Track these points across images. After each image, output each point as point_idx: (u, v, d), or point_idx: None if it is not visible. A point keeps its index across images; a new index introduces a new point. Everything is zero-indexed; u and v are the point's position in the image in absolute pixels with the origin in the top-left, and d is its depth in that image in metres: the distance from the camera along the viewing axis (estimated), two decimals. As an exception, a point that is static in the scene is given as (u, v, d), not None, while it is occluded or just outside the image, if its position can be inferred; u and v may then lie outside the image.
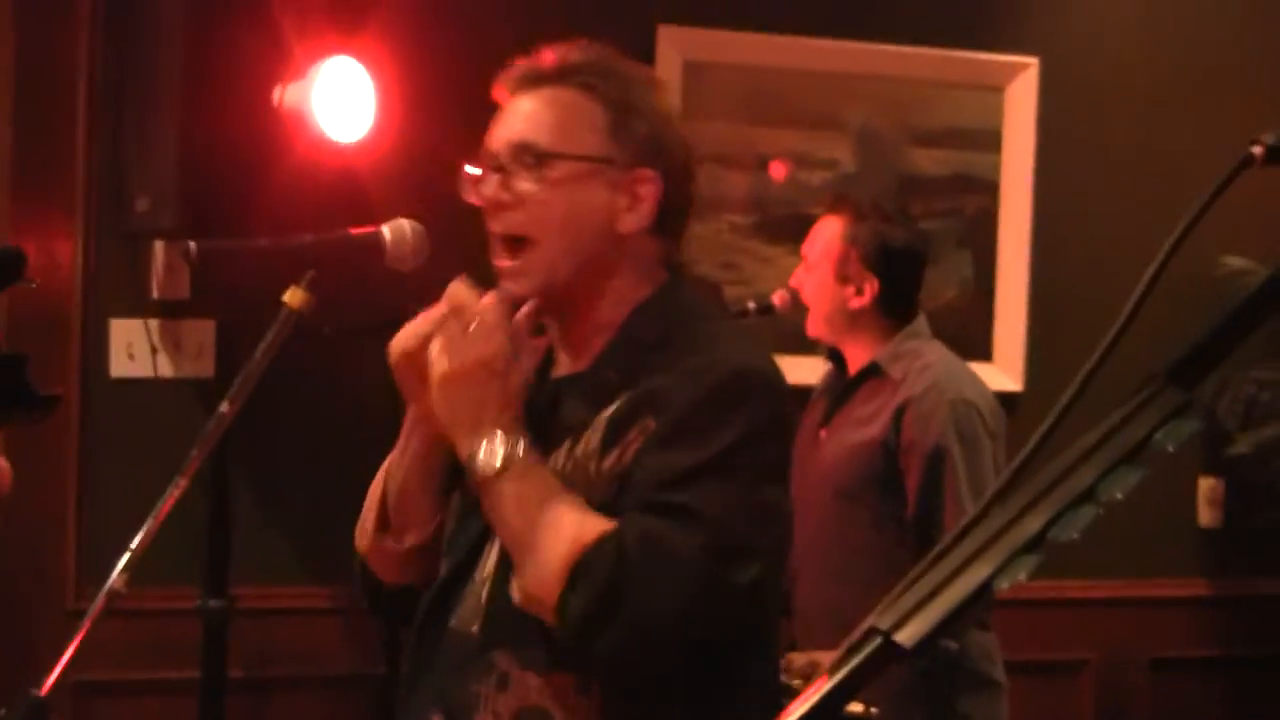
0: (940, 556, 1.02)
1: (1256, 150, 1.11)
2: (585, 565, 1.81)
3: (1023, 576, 0.98)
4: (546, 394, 2.06)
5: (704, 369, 1.93)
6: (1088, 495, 1.01)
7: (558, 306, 2.05)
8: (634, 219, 2.01)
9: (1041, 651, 4.53)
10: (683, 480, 1.87)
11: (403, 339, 1.98)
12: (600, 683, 1.89)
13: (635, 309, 2.02)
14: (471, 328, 1.92)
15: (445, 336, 1.93)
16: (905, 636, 0.96)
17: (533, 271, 1.99)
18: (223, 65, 3.43)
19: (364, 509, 2.14)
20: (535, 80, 2.03)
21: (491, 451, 1.89)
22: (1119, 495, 1.01)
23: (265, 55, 3.46)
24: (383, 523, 2.11)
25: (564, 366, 2.09)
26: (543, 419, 2.01)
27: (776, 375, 2.00)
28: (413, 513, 2.08)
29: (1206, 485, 4.77)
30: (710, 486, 1.87)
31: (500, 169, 1.99)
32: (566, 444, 1.98)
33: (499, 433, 1.90)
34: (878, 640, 0.98)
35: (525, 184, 1.98)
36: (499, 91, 2.07)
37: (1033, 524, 0.99)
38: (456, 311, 1.94)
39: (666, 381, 1.92)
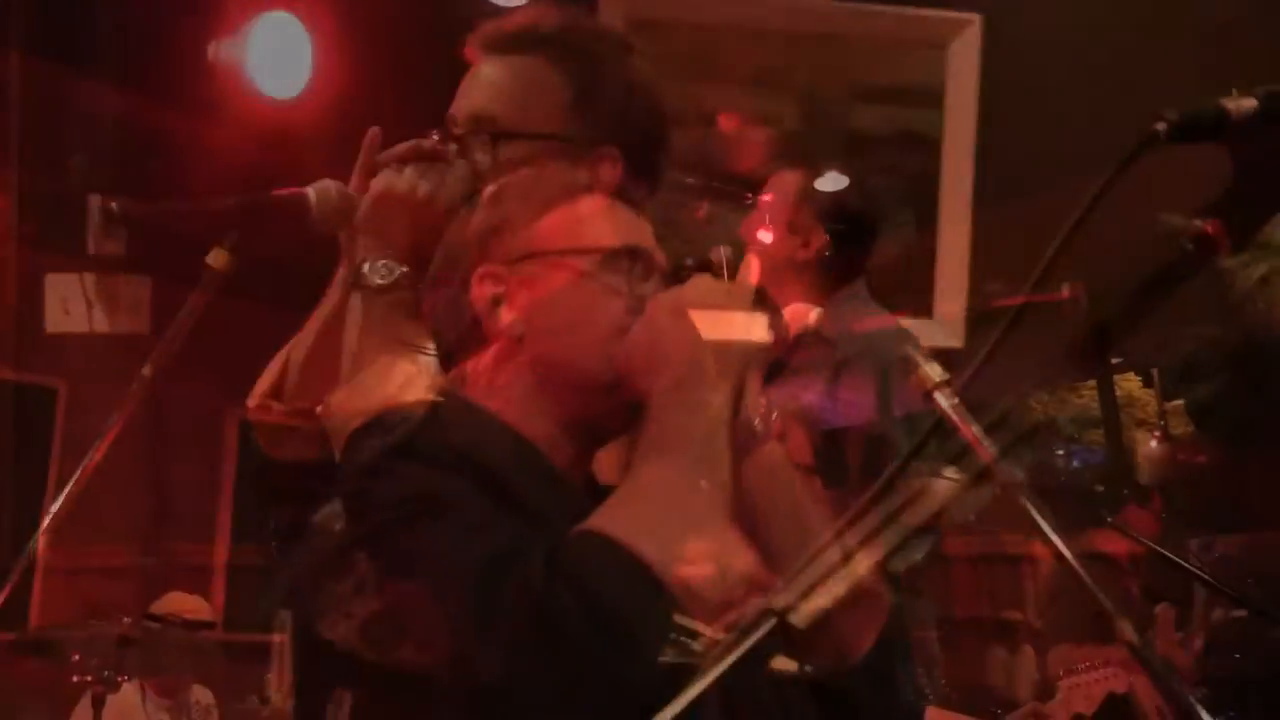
0: (839, 535, 1.02)
1: (1160, 127, 1.10)
2: (392, 417, 1.73)
3: (918, 557, 0.98)
4: None
5: None
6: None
7: None
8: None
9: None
10: None
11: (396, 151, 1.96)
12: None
13: None
14: (441, 172, 1.91)
15: (416, 166, 1.92)
16: (799, 618, 0.96)
17: None
18: (158, 20, 3.40)
19: (262, 374, 2.09)
20: (503, 45, 2.01)
21: (379, 269, 1.87)
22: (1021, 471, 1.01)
23: (201, 10, 3.43)
24: (275, 388, 2.05)
25: None
26: None
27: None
28: (309, 378, 2.01)
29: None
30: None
31: (458, 139, 1.97)
32: None
33: (397, 262, 1.87)
34: (772, 620, 0.97)
35: (482, 157, 1.95)
36: (470, 49, 2.04)
37: (929, 504, 0.99)
38: (443, 156, 1.93)
39: None
